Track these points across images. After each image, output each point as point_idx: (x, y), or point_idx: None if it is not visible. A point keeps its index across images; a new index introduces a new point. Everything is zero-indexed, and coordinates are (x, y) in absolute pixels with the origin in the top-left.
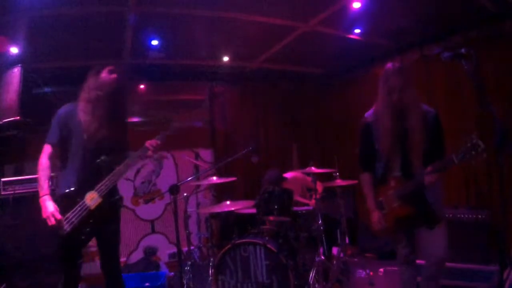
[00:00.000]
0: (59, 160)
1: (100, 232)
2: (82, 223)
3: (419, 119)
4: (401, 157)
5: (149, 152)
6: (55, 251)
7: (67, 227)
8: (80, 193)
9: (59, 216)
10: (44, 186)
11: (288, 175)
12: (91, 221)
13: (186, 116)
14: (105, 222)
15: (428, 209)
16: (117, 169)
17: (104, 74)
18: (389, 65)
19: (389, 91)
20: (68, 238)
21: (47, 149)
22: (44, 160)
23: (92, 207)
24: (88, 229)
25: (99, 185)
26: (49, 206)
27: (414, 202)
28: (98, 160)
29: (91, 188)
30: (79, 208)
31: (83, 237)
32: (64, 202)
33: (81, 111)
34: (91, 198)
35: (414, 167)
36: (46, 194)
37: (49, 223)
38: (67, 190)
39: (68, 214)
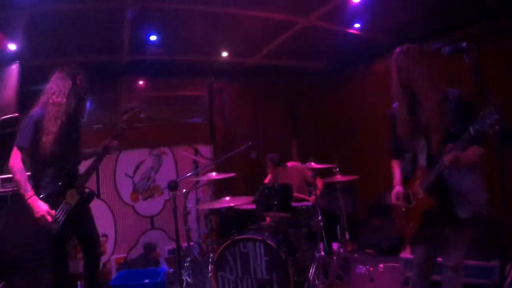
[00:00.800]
0: (29, 159)
1: (80, 224)
2: (68, 220)
3: (433, 102)
4: (425, 146)
5: (110, 151)
6: (45, 248)
7: (57, 225)
8: (62, 192)
9: (53, 213)
10: (27, 187)
11: (288, 164)
12: (74, 217)
13: (129, 116)
14: (83, 215)
15: (449, 202)
16: (88, 168)
17: (78, 82)
18: (398, 48)
19: (397, 72)
20: (57, 234)
21: (18, 153)
22: (18, 163)
23: (73, 204)
24: (72, 224)
25: (76, 184)
26: (41, 205)
27: (439, 193)
28: (73, 161)
29: (70, 186)
30: (63, 206)
31: (69, 232)
32: (49, 202)
33: (48, 117)
34: (71, 196)
35: (438, 154)
36: (32, 195)
37: (48, 220)
38: (49, 191)
39: (56, 212)
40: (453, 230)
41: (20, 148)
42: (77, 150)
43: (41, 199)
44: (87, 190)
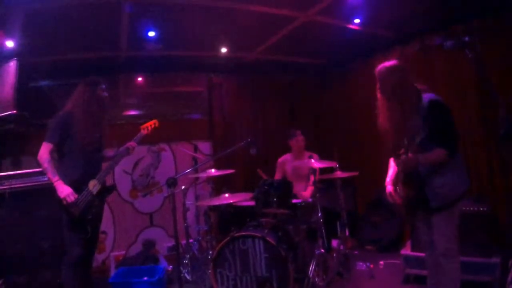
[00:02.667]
0: (57, 155)
1: (98, 213)
2: (89, 205)
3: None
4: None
5: (130, 152)
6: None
7: (78, 207)
8: (84, 181)
9: (75, 195)
10: (54, 172)
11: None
12: (95, 203)
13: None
14: (101, 206)
15: (424, 194)
16: (110, 163)
17: (100, 92)
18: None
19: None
20: (80, 217)
21: (48, 147)
22: (46, 155)
23: (94, 192)
24: (94, 210)
25: (98, 175)
26: (66, 188)
27: (413, 185)
28: (96, 156)
29: (92, 177)
30: (85, 193)
31: (89, 217)
32: (72, 187)
33: (79, 120)
34: (93, 185)
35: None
36: (59, 179)
37: (69, 200)
38: (74, 178)
39: (78, 196)
40: (429, 218)
41: (48, 143)
42: (99, 147)
43: (66, 183)
44: (109, 184)
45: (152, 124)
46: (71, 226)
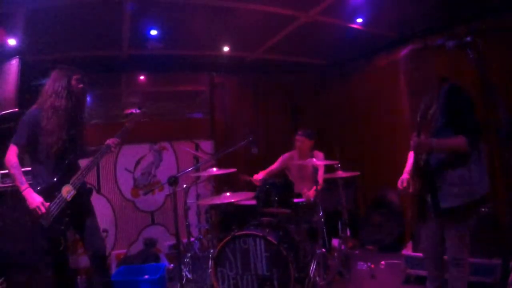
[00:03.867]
0: (29, 157)
1: (77, 221)
2: (61, 214)
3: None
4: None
5: (112, 149)
6: (37, 242)
7: (50, 217)
8: (57, 187)
9: (46, 204)
10: (22, 180)
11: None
12: (68, 211)
13: (136, 115)
14: (80, 211)
15: (434, 190)
16: (87, 165)
17: (73, 83)
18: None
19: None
20: (50, 228)
21: (14, 149)
22: (13, 158)
23: (69, 199)
24: (66, 219)
25: (72, 180)
26: (35, 197)
27: (424, 177)
28: (68, 159)
29: (65, 182)
30: (57, 200)
31: (62, 227)
32: (44, 195)
33: (46, 118)
34: (67, 191)
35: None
36: (27, 187)
37: (39, 213)
38: (44, 185)
39: (49, 206)
40: (439, 220)
41: (15, 145)
42: (75, 147)
43: (36, 192)
44: (87, 187)
45: (136, 117)
46: (44, 238)
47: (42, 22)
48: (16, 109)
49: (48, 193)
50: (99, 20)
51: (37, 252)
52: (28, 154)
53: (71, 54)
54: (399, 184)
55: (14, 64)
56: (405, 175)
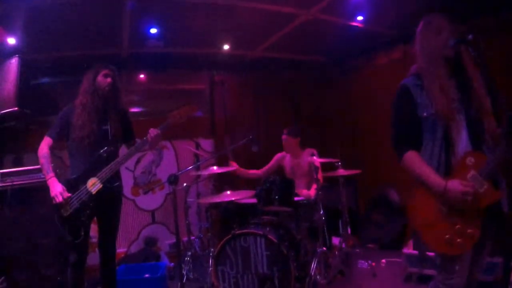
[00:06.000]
0: (66, 150)
1: (100, 215)
2: (83, 206)
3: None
4: (467, 123)
5: (149, 142)
6: (58, 232)
7: (69, 208)
8: (83, 179)
9: (66, 194)
10: (49, 169)
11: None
12: (91, 204)
13: (184, 110)
14: (105, 206)
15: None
16: (117, 159)
17: (100, 78)
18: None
19: (436, 33)
20: (70, 218)
21: (47, 141)
22: (45, 149)
23: (94, 192)
24: (88, 212)
25: (100, 173)
26: (56, 186)
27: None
28: (100, 152)
29: (93, 175)
30: (80, 193)
31: (83, 219)
32: (68, 187)
33: (76, 114)
34: (93, 184)
35: (487, 134)
36: (52, 176)
37: (57, 200)
38: (71, 176)
39: (71, 197)
40: (496, 228)
41: (48, 136)
42: (106, 142)
43: (62, 182)
44: (117, 183)
45: (186, 110)
46: (63, 228)
47: (41, 21)
48: (16, 108)
49: (73, 185)
50: (99, 18)
51: (37, 251)
52: (66, 149)
53: (71, 52)
54: (465, 194)
55: (13, 63)
56: (455, 180)
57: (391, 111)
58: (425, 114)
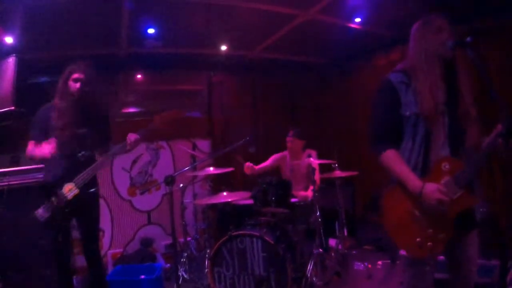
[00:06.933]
0: None
1: (78, 221)
2: (59, 211)
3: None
4: (449, 128)
5: (128, 147)
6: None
7: (45, 214)
8: (59, 184)
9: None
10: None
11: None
12: (67, 210)
13: (167, 114)
14: (82, 211)
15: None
16: (95, 164)
17: (71, 83)
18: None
19: (435, 32)
20: (46, 223)
21: (30, 143)
22: (28, 152)
23: (69, 197)
24: (64, 217)
25: (77, 178)
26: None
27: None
28: (78, 155)
29: (70, 180)
30: (55, 198)
31: (59, 224)
32: (44, 192)
33: (54, 115)
34: (69, 189)
35: (468, 140)
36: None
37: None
38: (47, 180)
39: (45, 203)
40: (467, 236)
41: (31, 139)
42: (83, 146)
43: (36, 187)
44: (94, 188)
45: (170, 115)
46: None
47: (39, 20)
48: (13, 108)
49: (49, 189)
50: (97, 18)
51: (34, 252)
52: None
53: (69, 52)
54: (444, 195)
55: (10, 62)
56: (432, 184)
57: (372, 106)
58: (408, 113)
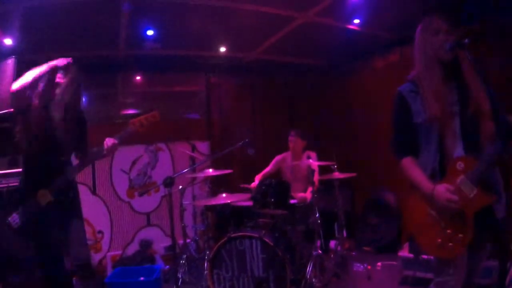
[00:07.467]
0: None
1: (59, 227)
2: (32, 219)
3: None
4: (461, 128)
5: (105, 152)
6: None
7: (18, 221)
8: (33, 190)
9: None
10: None
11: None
12: (40, 218)
13: (144, 118)
14: (58, 219)
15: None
16: (71, 169)
17: (50, 85)
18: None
19: (434, 35)
20: (20, 232)
21: None
22: None
23: (43, 204)
24: (38, 225)
25: (52, 184)
26: None
27: (489, 187)
28: (52, 161)
29: (43, 186)
30: (28, 205)
31: (33, 232)
32: (16, 197)
33: (29, 119)
34: (42, 195)
35: (482, 135)
36: None
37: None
38: (22, 185)
39: (19, 209)
40: (491, 233)
41: None
42: (58, 150)
43: (5, 193)
44: (70, 195)
45: (148, 118)
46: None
47: (38, 22)
48: (12, 109)
49: (21, 196)
50: (95, 19)
51: (32, 254)
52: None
53: (68, 54)
54: (446, 196)
55: (10, 63)
56: (442, 185)
57: (391, 118)
58: (419, 120)
